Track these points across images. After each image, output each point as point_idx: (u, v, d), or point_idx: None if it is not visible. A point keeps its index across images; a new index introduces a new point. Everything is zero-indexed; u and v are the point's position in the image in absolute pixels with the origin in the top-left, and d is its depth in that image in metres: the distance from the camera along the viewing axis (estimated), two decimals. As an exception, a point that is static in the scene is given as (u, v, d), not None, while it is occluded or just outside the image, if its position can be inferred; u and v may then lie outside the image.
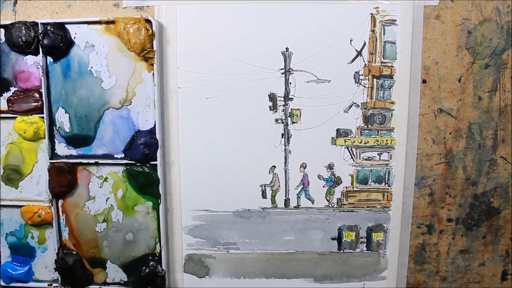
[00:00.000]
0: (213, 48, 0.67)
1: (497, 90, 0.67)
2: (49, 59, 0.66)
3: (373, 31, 0.66)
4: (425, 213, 0.71)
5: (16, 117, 0.67)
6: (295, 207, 0.71)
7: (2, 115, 0.68)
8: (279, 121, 0.69)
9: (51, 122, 0.68)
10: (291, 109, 0.68)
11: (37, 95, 0.66)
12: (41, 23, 0.64)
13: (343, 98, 0.68)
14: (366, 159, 0.70)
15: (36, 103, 0.67)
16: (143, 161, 0.67)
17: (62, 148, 0.68)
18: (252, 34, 0.66)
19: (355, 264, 0.72)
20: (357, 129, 0.69)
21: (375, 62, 0.67)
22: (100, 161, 0.68)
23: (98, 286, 0.72)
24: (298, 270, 0.73)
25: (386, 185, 0.70)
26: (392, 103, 0.68)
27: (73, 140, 0.68)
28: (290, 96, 0.68)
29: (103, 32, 0.65)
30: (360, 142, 0.69)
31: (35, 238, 0.71)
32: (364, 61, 0.67)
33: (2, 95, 0.68)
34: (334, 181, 0.70)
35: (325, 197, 0.71)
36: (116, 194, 0.69)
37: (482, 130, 0.68)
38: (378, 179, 0.70)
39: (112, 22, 0.64)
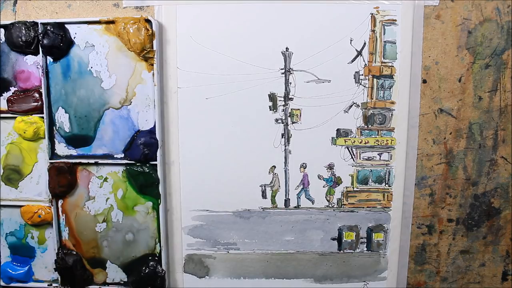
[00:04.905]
0: (213, 48, 0.67)
1: (498, 90, 0.67)
2: (49, 59, 0.66)
3: (373, 31, 0.66)
4: (425, 213, 0.71)
5: (16, 117, 0.67)
6: (295, 207, 0.71)
7: (2, 115, 0.68)
8: (279, 121, 0.69)
9: (51, 122, 0.68)
10: (291, 109, 0.68)
11: (37, 95, 0.66)
12: (41, 23, 0.64)
13: (343, 98, 0.68)
14: (366, 159, 0.70)
15: (36, 103, 0.66)
16: (143, 161, 0.67)
17: (62, 148, 0.68)
18: (252, 34, 0.66)
19: (355, 265, 0.72)
20: (357, 129, 0.69)
21: (375, 62, 0.67)
22: (100, 161, 0.68)
23: (98, 286, 0.71)
24: (298, 270, 0.72)
25: (386, 185, 0.70)
26: (392, 103, 0.68)
27: (73, 140, 0.68)
28: (290, 96, 0.68)
29: (103, 32, 0.65)
30: (360, 142, 0.69)
31: (35, 238, 0.71)
32: (364, 61, 0.67)
33: (2, 95, 0.68)
34: (334, 181, 0.70)
35: (325, 197, 0.71)
36: (116, 194, 0.69)
37: (483, 130, 0.68)
38: (378, 179, 0.70)
39: (112, 22, 0.64)
